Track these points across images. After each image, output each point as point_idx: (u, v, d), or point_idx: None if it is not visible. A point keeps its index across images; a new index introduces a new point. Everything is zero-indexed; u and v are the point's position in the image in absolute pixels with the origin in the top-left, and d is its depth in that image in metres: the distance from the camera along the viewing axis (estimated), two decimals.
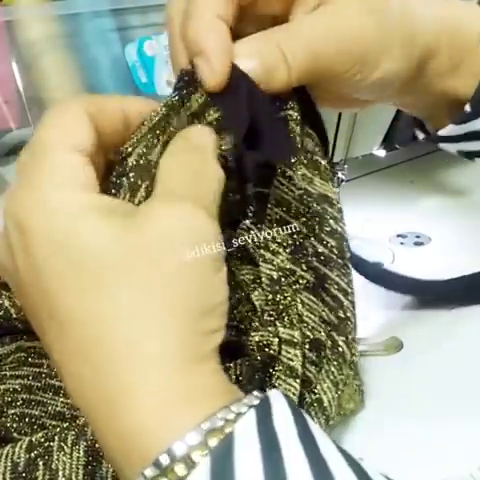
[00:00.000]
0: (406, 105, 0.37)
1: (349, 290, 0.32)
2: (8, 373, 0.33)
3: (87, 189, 0.25)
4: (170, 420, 0.22)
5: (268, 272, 0.31)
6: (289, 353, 0.30)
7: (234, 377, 0.31)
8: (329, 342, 0.32)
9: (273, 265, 0.31)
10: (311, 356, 0.32)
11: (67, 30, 0.67)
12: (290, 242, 0.32)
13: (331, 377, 0.32)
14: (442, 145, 0.36)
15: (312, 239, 0.31)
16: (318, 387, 0.32)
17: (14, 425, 0.31)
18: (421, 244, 0.54)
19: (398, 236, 0.55)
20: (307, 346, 0.32)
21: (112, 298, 0.23)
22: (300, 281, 0.32)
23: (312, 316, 0.32)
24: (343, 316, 0.32)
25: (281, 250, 0.31)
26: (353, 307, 0.32)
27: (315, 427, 0.22)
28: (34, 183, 0.24)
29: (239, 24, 0.29)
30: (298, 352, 0.31)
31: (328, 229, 0.31)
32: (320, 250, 0.31)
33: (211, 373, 0.24)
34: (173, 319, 0.23)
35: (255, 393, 0.23)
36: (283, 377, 0.30)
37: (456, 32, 0.32)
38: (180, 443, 0.21)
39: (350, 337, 0.32)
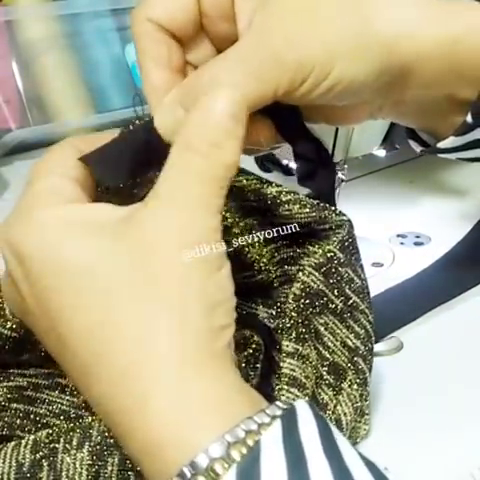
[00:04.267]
0: (401, 115, 0.35)
1: (373, 323, 0.33)
2: (16, 371, 0.33)
3: (72, 201, 0.25)
4: (191, 431, 0.21)
5: (293, 289, 0.32)
6: (291, 364, 0.31)
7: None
8: (352, 368, 0.32)
9: (302, 283, 0.32)
10: (328, 379, 0.32)
11: (67, 30, 0.67)
12: (326, 265, 0.32)
13: (353, 401, 0.32)
14: (441, 155, 0.35)
15: (348, 268, 0.32)
16: (338, 407, 0.32)
17: (17, 422, 0.31)
18: (421, 244, 0.54)
19: (398, 236, 0.55)
20: (325, 368, 0.32)
21: (112, 310, 0.23)
22: (329, 305, 0.32)
23: (334, 340, 0.32)
24: (370, 346, 0.32)
25: (314, 271, 0.32)
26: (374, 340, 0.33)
27: (340, 437, 0.21)
28: (21, 209, 0.25)
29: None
30: (300, 363, 0.31)
31: (360, 263, 0.33)
32: (355, 280, 0.32)
33: (228, 372, 0.23)
34: (177, 320, 0.23)
35: (278, 403, 0.23)
36: (286, 387, 0.30)
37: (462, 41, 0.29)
38: (203, 455, 0.20)
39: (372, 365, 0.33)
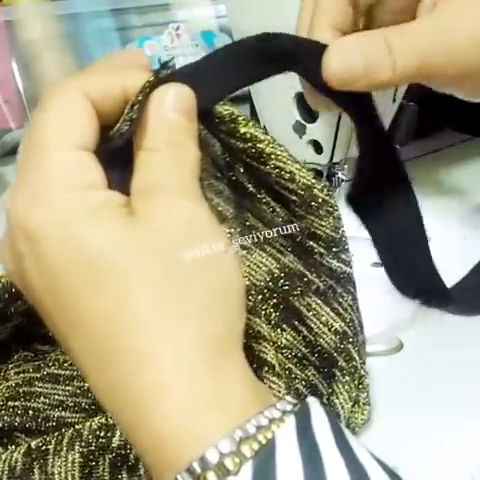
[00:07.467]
0: None
1: (356, 306, 0.32)
2: (12, 371, 0.33)
3: (93, 188, 0.24)
4: (202, 426, 0.21)
5: (271, 268, 0.31)
6: (268, 350, 0.30)
7: None
8: (343, 354, 0.32)
9: (279, 263, 0.31)
10: (314, 361, 0.32)
11: (67, 30, 0.67)
12: (295, 246, 0.31)
13: (346, 387, 0.32)
14: None
15: (328, 257, 0.31)
16: (336, 401, 0.32)
17: (17, 419, 0.31)
18: None
19: None
20: (308, 349, 0.32)
21: (127, 298, 0.22)
22: (311, 286, 0.31)
23: (317, 321, 0.32)
24: (357, 329, 0.32)
25: (287, 252, 0.31)
26: (362, 326, 0.33)
27: (350, 436, 0.22)
28: (39, 187, 0.24)
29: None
30: (273, 349, 0.30)
31: (346, 247, 0.32)
32: (333, 267, 0.31)
33: (239, 368, 0.23)
34: (193, 311, 0.23)
35: (287, 398, 0.23)
36: (267, 376, 0.30)
37: None
38: (213, 450, 0.20)
39: (362, 351, 0.32)
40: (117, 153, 0.26)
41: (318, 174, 0.52)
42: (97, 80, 0.26)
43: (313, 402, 0.22)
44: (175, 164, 0.25)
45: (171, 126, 0.25)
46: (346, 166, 0.50)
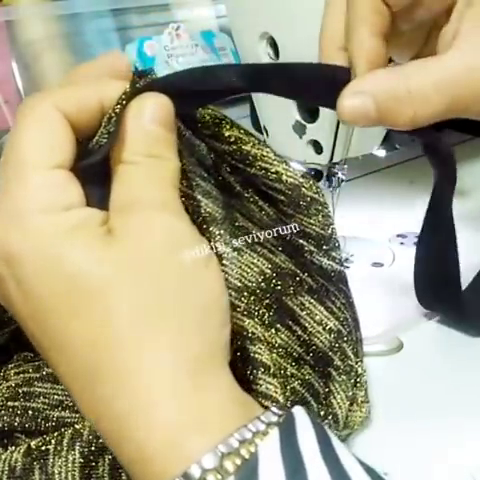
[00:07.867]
0: None
1: (349, 305, 0.32)
2: (12, 371, 0.33)
3: (71, 207, 0.24)
4: (186, 441, 0.21)
5: (263, 268, 0.30)
6: (263, 351, 0.30)
7: None
8: (338, 353, 0.32)
9: (270, 263, 0.31)
10: (309, 360, 0.32)
11: (67, 30, 0.67)
12: (288, 246, 0.31)
13: (343, 386, 0.32)
14: None
15: (318, 255, 0.31)
16: (333, 400, 0.31)
17: (17, 419, 0.31)
18: None
19: (398, 236, 0.55)
20: (303, 348, 0.31)
21: (108, 318, 0.22)
22: (303, 285, 0.31)
23: (311, 321, 0.31)
24: (352, 327, 0.32)
25: (278, 252, 0.31)
26: (358, 323, 0.32)
27: (337, 443, 0.21)
28: (16, 209, 0.23)
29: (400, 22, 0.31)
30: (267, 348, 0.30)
31: (337, 244, 0.32)
32: (323, 265, 0.31)
33: (224, 382, 0.23)
34: (174, 328, 0.23)
35: (273, 409, 0.23)
36: (263, 377, 0.30)
37: None
38: (196, 466, 0.20)
39: (358, 349, 0.32)
40: (95, 168, 0.25)
41: (318, 174, 0.52)
42: (72, 93, 0.25)
43: (298, 411, 0.22)
44: (154, 177, 0.25)
45: (150, 138, 0.25)
46: (346, 166, 0.50)
